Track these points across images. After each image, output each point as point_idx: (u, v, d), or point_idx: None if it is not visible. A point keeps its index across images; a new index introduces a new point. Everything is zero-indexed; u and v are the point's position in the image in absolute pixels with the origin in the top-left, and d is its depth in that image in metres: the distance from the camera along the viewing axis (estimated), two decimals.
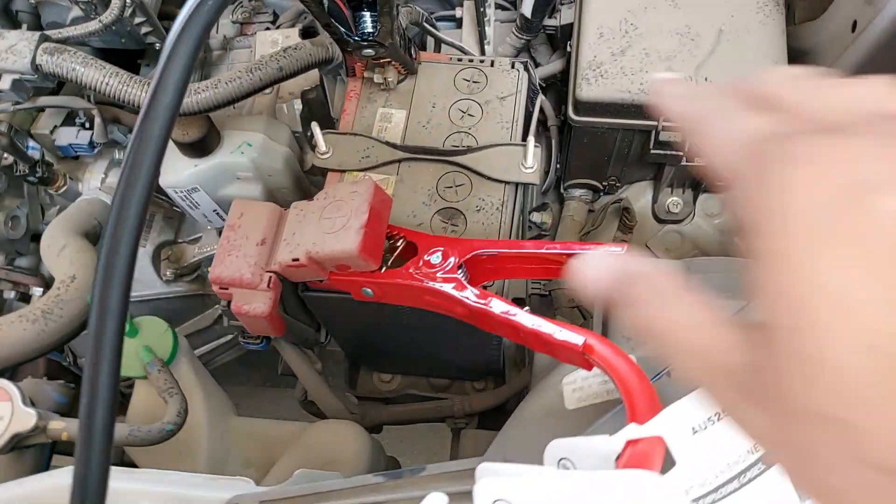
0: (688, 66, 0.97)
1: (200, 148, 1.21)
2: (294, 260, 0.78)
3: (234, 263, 0.80)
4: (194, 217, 1.42)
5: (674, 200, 1.15)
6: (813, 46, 0.98)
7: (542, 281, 1.16)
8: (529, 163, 0.90)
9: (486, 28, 1.33)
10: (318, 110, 1.41)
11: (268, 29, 1.40)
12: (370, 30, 0.83)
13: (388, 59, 0.92)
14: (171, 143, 1.22)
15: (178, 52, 0.55)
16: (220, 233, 1.45)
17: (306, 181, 1.39)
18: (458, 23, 1.41)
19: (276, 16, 1.46)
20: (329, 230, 0.77)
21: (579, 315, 1.13)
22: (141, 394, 0.96)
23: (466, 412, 1.10)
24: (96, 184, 1.27)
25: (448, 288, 0.73)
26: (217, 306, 1.43)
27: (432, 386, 1.21)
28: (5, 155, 1.10)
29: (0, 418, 0.79)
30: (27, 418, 0.79)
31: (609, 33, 1.00)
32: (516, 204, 0.92)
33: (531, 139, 0.88)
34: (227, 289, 0.81)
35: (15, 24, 1.25)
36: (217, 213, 1.39)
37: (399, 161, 0.94)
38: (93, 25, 1.08)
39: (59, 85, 1.26)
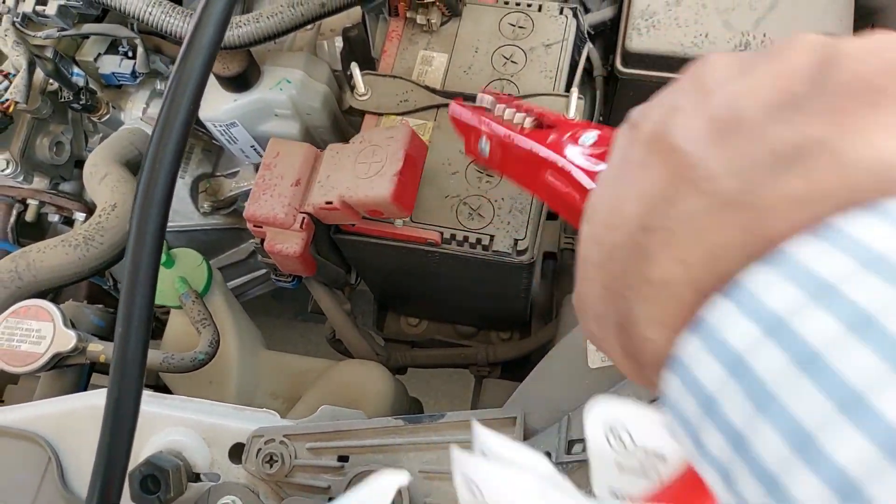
0: (746, 21, 0.92)
1: (240, 83, 1.20)
2: (327, 203, 0.78)
3: (269, 202, 0.81)
4: (232, 152, 1.43)
5: None
6: (885, 5, 0.92)
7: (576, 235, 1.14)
8: (571, 115, 0.88)
9: None
10: (358, 49, 1.38)
11: None
12: None
13: (434, 0, 0.90)
14: (211, 77, 1.22)
15: None
16: (257, 168, 1.47)
17: (344, 121, 1.38)
18: None
19: None
20: (363, 175, 0.77)
21: None
22: (176, 323, 0.99)
23: (490, 361, 1.11)
24: (138, 113, 1.28)
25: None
26: (251, 241, 1.45)
27: (458, 333, 1.22)
28: (50, 81, 1.11)
29: (42, 338, 0.83)
30: (67, 339, 0.82)
31: None
32: None
33: (574, 90, 0.86)
34: (261, 227, 0.82)
35: None
36: (254, 149, 1.40)
37: (438, 106, 0.92)
38: None
39: (104, 13, 1.26)
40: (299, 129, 1.31)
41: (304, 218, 0.81)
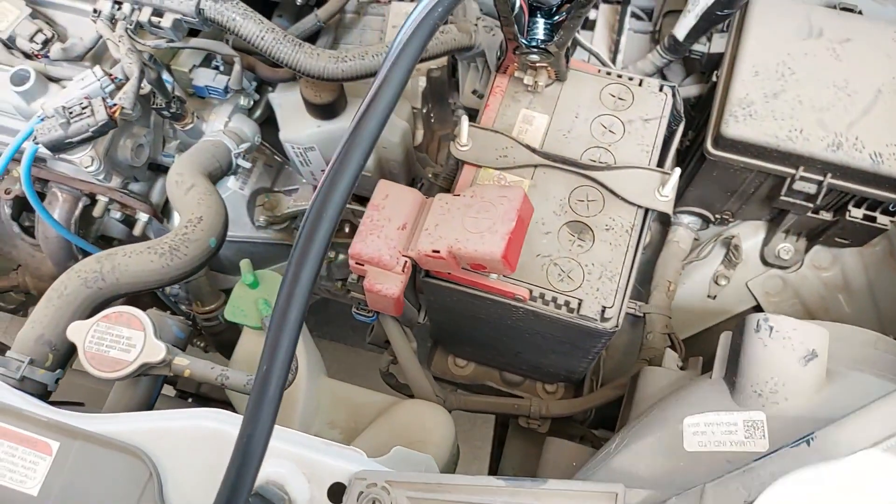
0: (840, 122, 0.95)
1: (328, 111, 1.24)
2: (434, 251, 0.80)
3: (375, 243, 0.83)
4: (301, 172, 1.45)
5: (785, 247, 1.14)
6: None
7: (639, 302, 1.17)
8: (667, 191, 0.91)
9: (622, 36, 1.32)
10: (437, 90, 1.42)
11: None
12: (541, 37, 0.83)
13: (546, 65, 0.93)
14: (298, 100, 1.25)
15: (394, 77, 0.58)
16: (315, 188, 1.49)
17: (414, 157, 1.41)
18: (589, 24, 1.40)
19: None
20: (474, 229, 0.79)
21: (668, 340, 1.14)
22: (247, 342, 1.00)
23: (542, 414, 1.13)
24: (220, 126, 1.30)
25: None
26: None
27: (504, 380, 1.23)
28: (144, 84, 1.13)
29: (132, 346, 0.84)
30: (157, 351, 0.84)
31: (765, 73, 0.99)
32: (644, 229, 0.92)
33: (676, 170, 0.88)
34: (362, 265, 0.84)
35: None
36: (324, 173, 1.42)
37: (535, 166, 0.95)
38: None
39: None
40: (374, 161, 1.34)
41: (406, 261, 0.83)
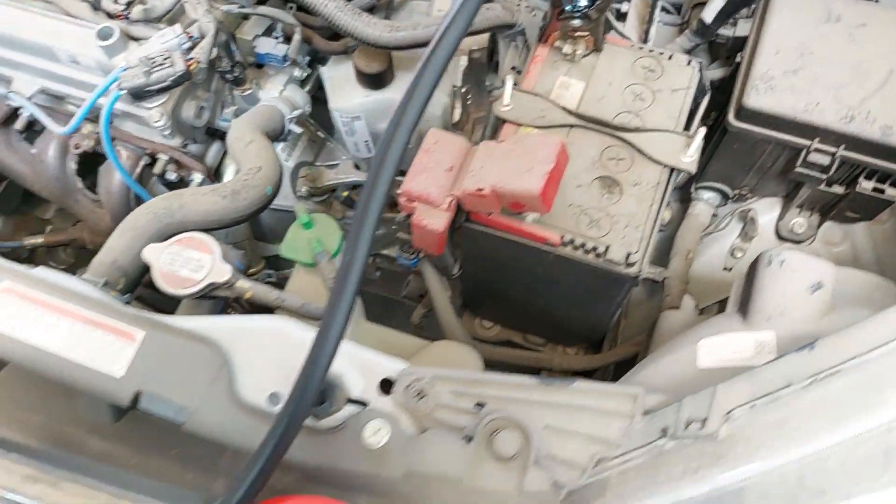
0: (853, 98, 1.03)
1: (376, 81, 1.33)
2: (478, 189, 0.89)
3: (424, 182, 0.92)
4: (346, 142, 1.55)
5: (799, 221, 1.22)
6: None
7: (658, 268, 1.24)
8: (691, 152, 0.99)
9: (652, 28, 1.41)
10: (476, 72, 1.52)
11: None
12: (584, 3, 0.92)
13: (585, 34, 1.02)
14: (348, 69, 1.35)
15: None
16: (355, 164, 1.59)
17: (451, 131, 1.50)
18: (621, 17, 1.49)
19: None
20: (515, 170, 0.88)
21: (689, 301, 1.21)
22: (299, 278, 1.09)
23: (564, 368, 1.20)
24: (275, 93, 1.40)
25: None
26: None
27: (528, 342, 1.31)
28: (214, 50, 1.23)
29: (201, 267, 0.93)
30: (223, 272, 0.93)
31: (785, 52, 1.07)
32: (668, 186, 1.01)
33: (701, 130, 0.97)
34: (412, 203, 0.93)
35: None
36: (367, 144, 1.52)
37: (570, 126, 1.03)
38: None
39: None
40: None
41: (452, 200, 0.92)
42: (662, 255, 1.31)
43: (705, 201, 1.29)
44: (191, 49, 1.12)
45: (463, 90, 1.50)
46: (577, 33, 1.02)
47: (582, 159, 1.01)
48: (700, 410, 0.67)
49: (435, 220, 0.92)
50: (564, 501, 0.68)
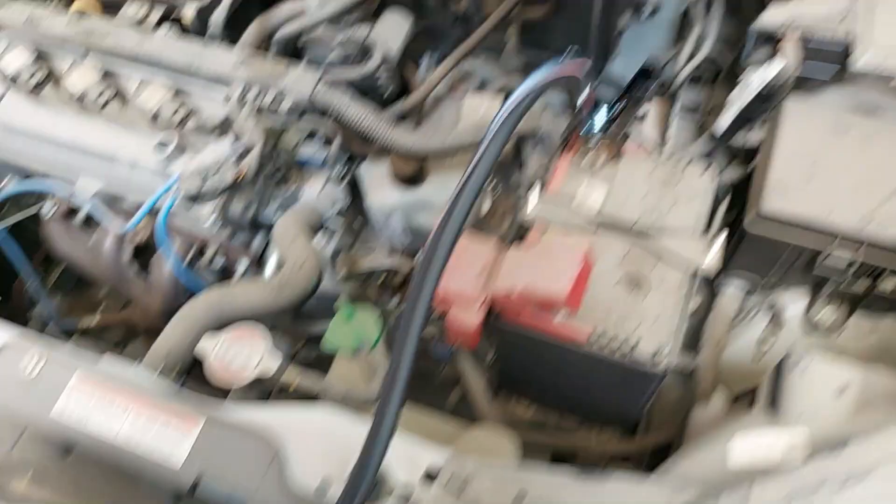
0: (870, 202, 1.08)
1: (411, 181, 1.43)
2: (508, 292, 0.96)
3: (458, 282, 0.99)
4: (380, 235, 1.64)
5: (826, 314, 1.24)
6: None
7: (689, 356, 1.28)
8: (711, 256, 1.05)
9: (671, 127, 1.50)
10: (503, 167, 1.61)
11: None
12: (601, 126, 1.01)
13: (605, 146, 1.11)
14: (383, 171, 1.45)
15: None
16: (389, 251, 1.67)
17: (479, 227, 1.59)
18: (641, 118, 1.59)
19: (482, 83, 1.69)
20: (544, 274, 0.94)
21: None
22: (340, 366, 1.15)
23: (599, 452, 1.23)
24: (314, 192, 1.50)
25: None
26: None
27: (563, 423, 1.34)
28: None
29: (252, 359, 1.00)
30: (272, 364, 0.99)
31: (798, 160, 1.13)
32: (692, 287, 1.06)
33: (719, 237, 1.03)
34: (446, 301, 0.99)
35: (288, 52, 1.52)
36: (402, 236, 1.60)
37: (594, 229, 1.10)
38: (353, 74, 1.34)
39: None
40: None
41: (484, 299, 0.98)
42: (692, 345, 1.35)
43: (733, 290, 1.33)
44: (240, 158, 1.23)
45: (490, 186, 1.60)
46: (598, 147, 1.11)
47: (607, 260, 1.08)
48: None
49: (470, 318, 0.98)
50: None
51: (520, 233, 1.14)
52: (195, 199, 1.20)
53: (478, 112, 1.60)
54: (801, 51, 1.10)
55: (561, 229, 1.09)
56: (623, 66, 1.85)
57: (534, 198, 1.10)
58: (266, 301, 1.16)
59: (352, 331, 1.11)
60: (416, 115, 1.60)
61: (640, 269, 1.06)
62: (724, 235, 1.02)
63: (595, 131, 1.03)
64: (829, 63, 1.12)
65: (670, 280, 1.05)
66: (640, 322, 1.02)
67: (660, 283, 1.05)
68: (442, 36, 1.83)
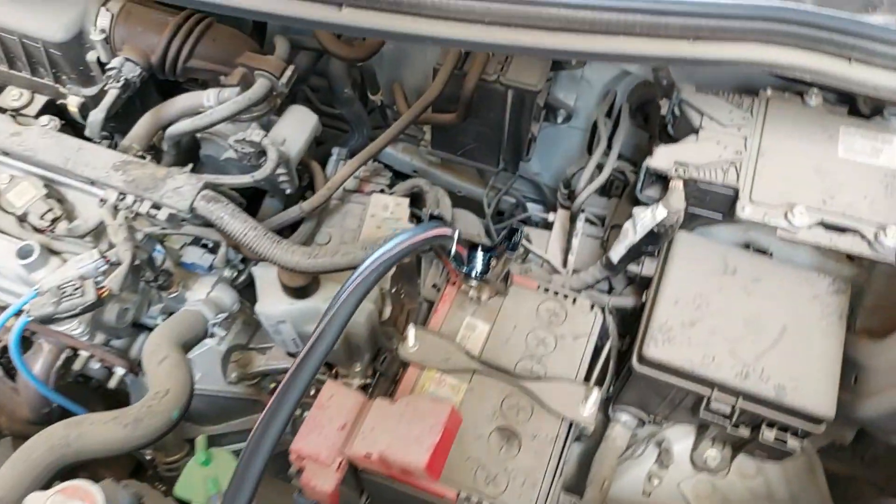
0: (749, 354, 1.06)
1: (300, 292, 1.36)
2: (367, 454, 0.89)
3: (315, 441, 0.92)
4: (274, 339, 1.56)
5: (712, 454, 1.22)
6: (872, 365, 1.07)
7: (573, 497, 1.22)
8: (589, 406, 1.00)
9: (574, 240, 1.47)
10: (407, 272, 1.56)
11: (382, 192, 1.57)
12: (480, 269, 0.97)
13: (488, 286, 1.06)
14: (272, 276, 1.38)
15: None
16: (287, 351, 1.58)
17: (378, 333, 1.52)
18: (548, 226, 1.56)
19: (392, 181, 1.64)
20: (404, 438, 0.88)
21: None
22: None
23: None
24: (202, 295, 1.42)
25: None
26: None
27: None
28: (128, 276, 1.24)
29: None
30: None
31: (684, 303, 1.11)
32: (567, 440, 1.01)
33: (596, 391, 0.99)
34: (301, 461, 0.92)
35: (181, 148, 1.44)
36: (295, 342, 1.52)
37: (473, 372, 1.05)
38: (246, 180, 1.27)
39: None
40: (341, 338, 1.44)
41: (342, 461, 0.91)
42: (581, 474, 1.30)
43: (622, 423, 1.30)
44: (110, 270, 1.15)
45: (393, 290, 1.54)
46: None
47: (483, 407, 1.02)
48: None
49: (324, 482, 0.91)
50: None
51: (395, 370, 1.09)
52: (47, 321, 1.10)
53: (386, 209, 1.55)
54: (688, 196, 1.09)
55: (435, 376, 1.03)
56: (538, 165, 1.84)
57: (411, 336, 1.05)
58: (119, 437, 1.06)
59: (206, 478, 1.02)
60: (317, 215, 1.54)
61: (515, 422, 1.01)
62: (597, 392, 0.97)
63: (474, 273, 0.98)
64: (715, 210, 1.11)
65: (546, 431, 1.00)
66: (512, 480, 0.96)
67: (534, 435, 1.00)
68: (357, 124, 1.79)
